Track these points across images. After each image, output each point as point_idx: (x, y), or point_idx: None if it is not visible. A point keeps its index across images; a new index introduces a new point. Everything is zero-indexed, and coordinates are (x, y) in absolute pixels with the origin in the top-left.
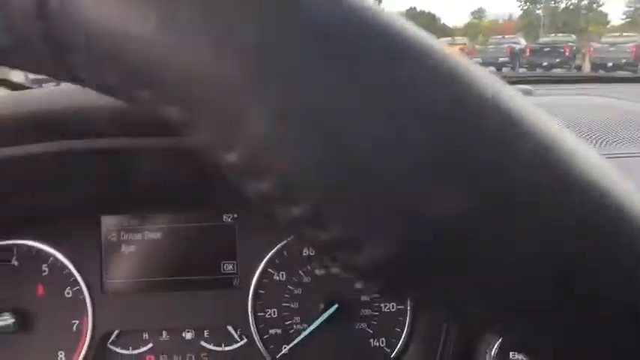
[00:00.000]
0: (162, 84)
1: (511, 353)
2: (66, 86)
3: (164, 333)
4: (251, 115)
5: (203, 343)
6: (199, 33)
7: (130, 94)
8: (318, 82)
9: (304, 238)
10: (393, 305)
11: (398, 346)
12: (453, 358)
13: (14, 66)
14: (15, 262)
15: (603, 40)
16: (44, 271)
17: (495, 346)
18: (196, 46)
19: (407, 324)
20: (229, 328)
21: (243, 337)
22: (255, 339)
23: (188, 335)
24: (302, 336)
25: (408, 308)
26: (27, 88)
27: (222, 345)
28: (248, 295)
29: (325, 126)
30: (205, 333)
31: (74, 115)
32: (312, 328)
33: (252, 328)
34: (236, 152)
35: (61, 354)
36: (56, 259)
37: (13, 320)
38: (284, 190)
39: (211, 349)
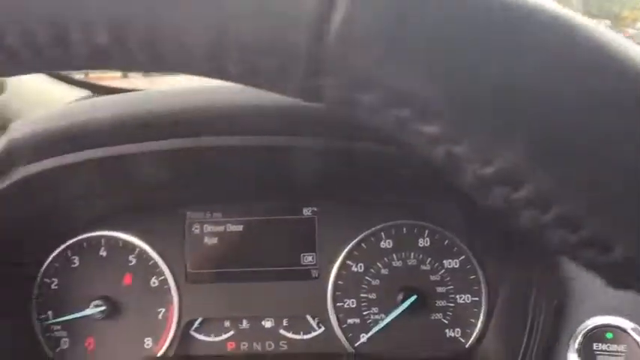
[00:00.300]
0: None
1: (594, 344)
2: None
3: (244, 321)
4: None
5: (282, 332)
6: None
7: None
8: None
9: (548, 239)
10: (468, 297)
11: (472, 337)
12: (536, 351)
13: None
14: (103, 253)
15: (638, 25)
16: (131, 261)
17: (579, 338)
18: None
19: (482, 316)
20: (308, 317)
21: (321, 325)
22: (335, 328)
23: (268, 324)
24: (381, 325)
25: (483, 300)
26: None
27: (301, 333)
28: (327, 286)
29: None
30: (284, 322)
31: (173, 115)
32: (391, 317)
33: (332, 318)
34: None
35: (147, 340)
36: (142, 250)
37: (104, 307)
38: (547, 194)
39: (290, 337)
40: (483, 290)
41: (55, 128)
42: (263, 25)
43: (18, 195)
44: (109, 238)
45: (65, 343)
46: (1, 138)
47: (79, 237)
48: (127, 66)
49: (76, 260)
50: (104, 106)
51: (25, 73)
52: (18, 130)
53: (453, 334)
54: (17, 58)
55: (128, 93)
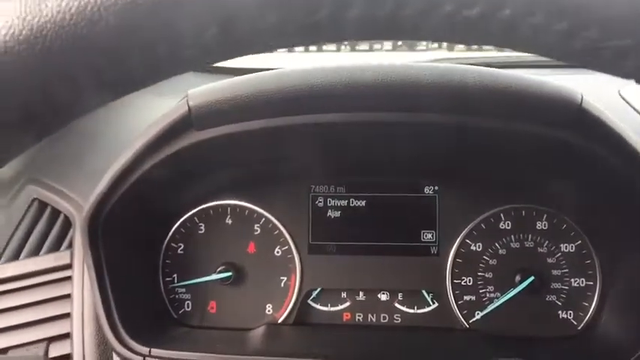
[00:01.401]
0: None
1: None
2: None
3: (361, 293)
4: None
5: (397, 305)
6: None
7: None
8: None
9: None
10: (582, 280)
11: (585, 320)
12: None
13: None
14: (229, 221)
15: None
16: (256, 230)
17: None
18: None
19: (595, 299)
20: (424, 292)
21: (435, 301)
22: (452, 304)
23: (383, 297)
24: (496, 304)
25: (598, 285)
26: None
27: (415, 308)
28: (446, 263)
29: None
30: (400, 295)
31: (313, 92)
32: (508, 297)
33: (449, 294)
34: None
35: (268, 306)
36: (268, 220)
37: (229, 273)
38: None
39: (404, 311)
40: (598, 275)
41: (232, 99)
42: None
43: (181, 158)
44: (234, 207)
45: (189, 306)
46: (180, 103)
47: (206, 205)
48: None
49: (202, 227)
50: (263, 81)
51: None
52: (196, 97)
53: (565, 316)
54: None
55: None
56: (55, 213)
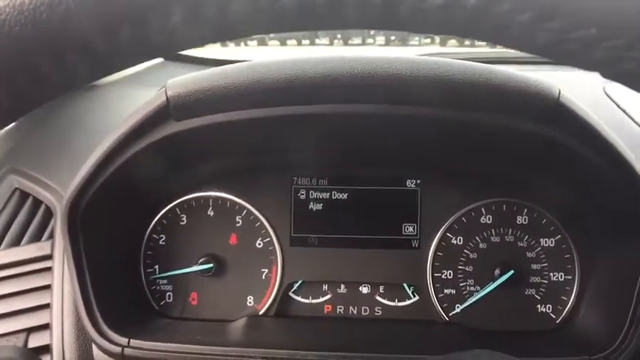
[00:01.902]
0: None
1: None
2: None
3: (342, 286)
4: None
5: (378, 298)
6: None
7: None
8: None
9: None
10: (561, 275)
11: (563, 314)
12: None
13: None
14: (211, 213)
15: None
16: (238, 222)
17: None
18: None
19: (574, 294)
20: (405, 285)
21: (416, 294)
22: (432, 297)
23: (364, 289)
24: (476, 297)
25: (576, 279)
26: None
27: (396, 300)
28: (427, 256)
29: None
30: (381, 288)
31: (293, 83)
32: (487, 290)
33: (429, 287)
34: None
35: (249, 298)
36: (249, 212)
37: (211, 265)
38: None
39: (385, 304)
40: (577, 269)
41: (210, 89)
42: None
43: (161, 149)
44: (216, 199)
45: (170, 297)
46: (158, 93)
47: (188, 196)
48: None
49: (184, 218)
50: (243, 72)
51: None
52: (174, 87)
53: (544, 310)
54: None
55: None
56: (37, 203)
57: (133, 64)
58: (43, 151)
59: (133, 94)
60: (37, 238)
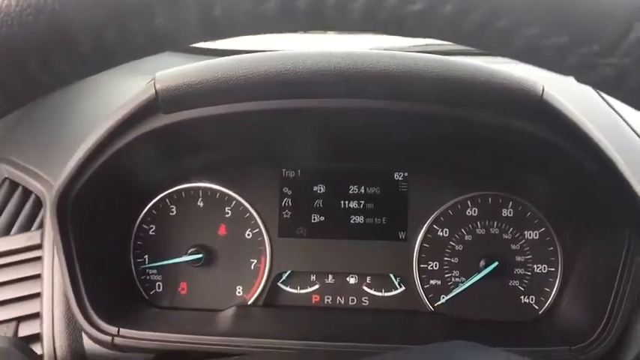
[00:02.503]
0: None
1: None
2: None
3: (330, 276)
4: None
5: (365, 288)
6: None
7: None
8: None
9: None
10: (544, 267)
11: (546, 305)
12: (619, 323)
13: None
14: (200, 204)
15: None
16: (227, 213)
17: None
18: None
19: (556, 285)
20: (391, 276)
21: (402, 285)
22: (418, 288)
23: (352, 280)
24: (461, 288)
25: (559, 271)
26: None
27: (383, 291)
28: (414, 248)
29: None
30: (368, 279)
31: (281, 78)
32: (472, 281)
33: (415, 278)
34: None
35: (238, 288)
36: (239, 203)
37: (200, 255)
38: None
39: (372, 294)
40: (560, 262)
41: (198, 83)
42: None
43: (150, 141)
44: (206, 190)
45: (159, 287)
46: (147, 86)
47: (178, 187)
48: None
49: (174, 209)
50: (231, 66)
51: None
52: (163, 80)
53: (527, 301)
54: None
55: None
56: (26, 193)
57: (120, 64)
58: (32, 141)
59: (124, 83)
60: (26, 227)
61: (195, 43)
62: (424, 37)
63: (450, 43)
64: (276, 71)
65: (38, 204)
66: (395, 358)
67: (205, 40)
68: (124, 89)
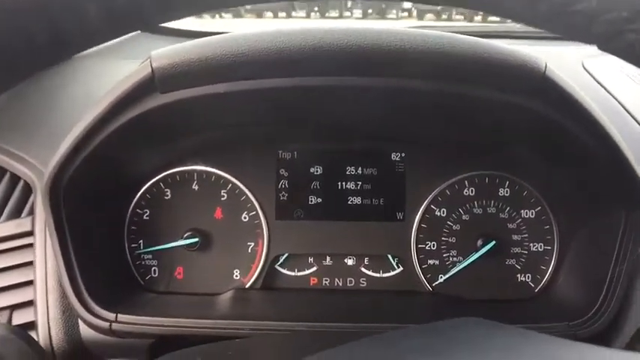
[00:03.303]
0: None
1: None
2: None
3: (328, 258)
4: None
5: (363, 269)
6: None
7: None
8: None
9: None
10: (540, 245)
11: (542, 283)
12: (615, 301)
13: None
14: (195, 187)
15: None
16: (223, 196)
17: None
18: None
19: (552, 263)
20: (389, 256)
21: (400, 265)
22: (416, 268)
23: (349, 261)
24: (459, 268)
25: (555, 250)
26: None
27: (380, 272)
28: (412, 228)
29: None
30: (366, 260)
31: (281, 55)
32: (470, 260)
33: (414, 258)
34: None
35: (236, 272)
36: (235, 186)
37: (197, 239)
38: None
39: (370, 275)
40: (556, 240)
41: (196, 60)
42: None
43: (145, 122)
44: (201, 173)
45: (155, 272)
46: (143, 65)
47: (172, 170)
48: None
49: (169, 193)
50: (229, 43)
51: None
52: (159, 58)
53: (524, 279)
54: None
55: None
56: (15, 179)
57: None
58: (19, 126)
59: (111, 67)
60: (16, 214)
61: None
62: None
63: (455, 21)
64: (276, 47)
65: (27, 190)
66: (402, 335)
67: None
68: (110, 73)
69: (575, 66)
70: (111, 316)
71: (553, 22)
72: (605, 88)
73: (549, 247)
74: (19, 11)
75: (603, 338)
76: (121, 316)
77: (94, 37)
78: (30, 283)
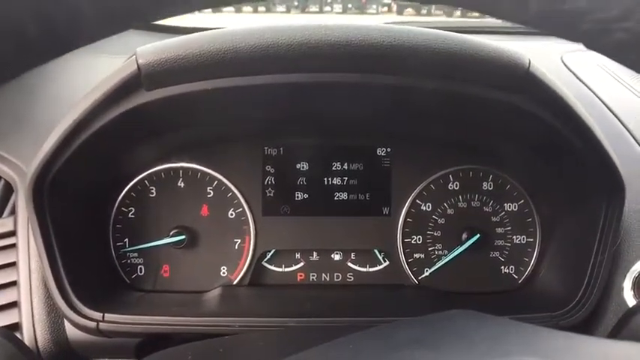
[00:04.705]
0: None
1: None
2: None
3: (314, 254)
4: None
5: (350, 264)
6: None
7: None
8: None
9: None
10: (523, 238)
11: (525, 274)
12: (597, 290)
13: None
14: (181, 184)
15: None
16: (209, 193)
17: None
18: None
19: (535, 255)
20: (375, 251)
21: (387, 260)
22: (402, 262)
23: (336, 257)
24: (444, 261)
25: (537, 242)
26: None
27: (367, 266)
28: (397, 223)
29: None
30: (352, 255)
31: (268, 51)
32: (455, 254)
33: (400, 252)
34: None
35: (223, 269)
36: (221, 183)
37: (184, 236)
38: None
39: (357, 270)
40: (538, 233)
41: (183, 57)
42: None
43: (130, 119)
44: (187, 170)
45: (141, 270)
46: (128, 62)
47: (157, 167)
48: None
49: (154, 190)
50: (216, 39)
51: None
52: (145, 55)
53: (507, 271)
54: None
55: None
56: None
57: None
58: (0, 125)
59: (96, 63)
60: None
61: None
62: None
63: (434, 17)
64: (265, 44)
65: (8, 189)
66: (393, 328)
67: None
68: (94, 69)
69: (555, 61)
70: (98, 315)
71: (543, 21)
72: (584, 83)
73: (532, 240)
74: (10, 5)
75: (585, 328)
76: (108, 316)
77: (87, 33)
78: (13, 284)
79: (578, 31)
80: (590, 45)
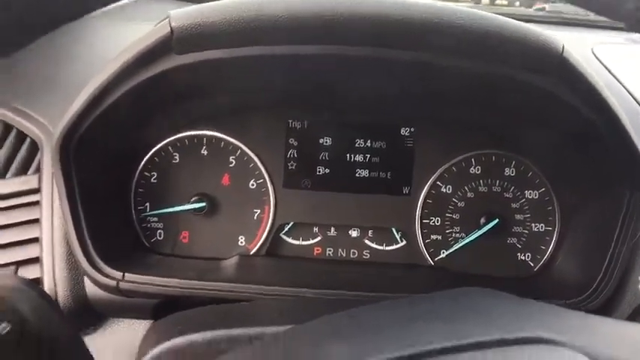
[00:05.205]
0: None
1: None
2: None
3: (332, 229)
4: None
5: (366, 241)
6: None
7: None
8: None
9: None
10: (542, 226)
11: (541, 262)
12: (613, 281)
13: None
14: (204, 152)
15: None
16: (231, 162)
17: None
18: None
19: (552, 244)
20: (393, 230)
21: (404, 239)
22: (419, 242)
23: (354, 233)
24: (461, 244)
25: (556, 230)
26: None
27: (384, 245)
28: (417, 203)
29: None
30: (370, 232)
31: (300, 20)
32: (472, 237)
33: (417, 233)
34: None
35: (241, 238)
36: (243, 153)
37: (204, 203)
38: None
39: (373, 247)
40: (557, 221)
41: (216, 22)
42: None
43: (159, 83)
44: (210, 138)
45: (161, 235)
46: (161, 25)
47: (181, 134)
48: None
49: (177, 157)
50: (253, 6)
51: None
52: (179, 18)
53: (523, 258)
54: None
55: None
56: (21, 136)
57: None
58: (28, 84)
59: (120, 29)
60: (22, 172)
61: None
62: None
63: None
64: (302, 13)
65: (34, 148)
66: (409, 302)
67: None
68: (120, 34)
69: (586, 52)
70: (118, 274)
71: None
72: (614, 76)
73: (550, 228)
74: None
75: None
76: (128, 275)
77: None
78: (36, 240)
79: (622, 9)
80: (633, 27)
